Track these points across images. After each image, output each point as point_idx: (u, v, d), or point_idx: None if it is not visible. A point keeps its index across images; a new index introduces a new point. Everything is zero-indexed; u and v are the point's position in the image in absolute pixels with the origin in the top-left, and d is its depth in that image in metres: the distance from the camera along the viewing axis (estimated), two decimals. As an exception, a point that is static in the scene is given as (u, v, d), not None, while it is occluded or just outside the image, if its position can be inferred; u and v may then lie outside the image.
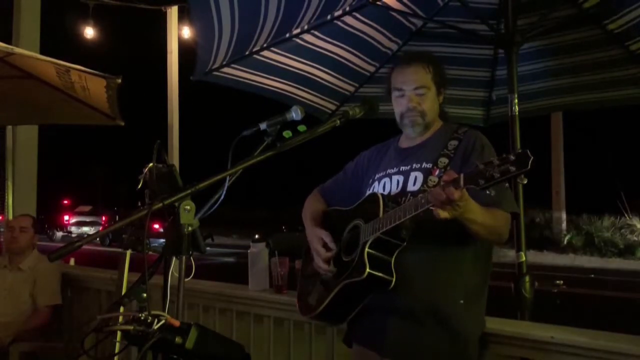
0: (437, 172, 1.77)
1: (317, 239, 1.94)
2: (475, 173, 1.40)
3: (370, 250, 1.70)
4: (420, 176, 1.83)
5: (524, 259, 3.12)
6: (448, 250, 1.75)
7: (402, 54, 2.16)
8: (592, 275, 11.76)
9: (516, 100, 3.25)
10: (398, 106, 1.97)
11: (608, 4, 3.48)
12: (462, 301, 1.75)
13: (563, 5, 3.55)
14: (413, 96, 1.92)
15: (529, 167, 1.31)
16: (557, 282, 9.16)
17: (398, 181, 1.89)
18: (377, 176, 1.98)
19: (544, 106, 4.50)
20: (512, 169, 1.32)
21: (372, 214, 1.75)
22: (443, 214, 1.51)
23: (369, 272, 1.66)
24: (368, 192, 1.96)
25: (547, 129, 15.77)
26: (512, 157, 1.34)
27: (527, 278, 3.06)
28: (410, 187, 1.83)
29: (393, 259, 1.70)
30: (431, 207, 1.53)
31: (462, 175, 1.43)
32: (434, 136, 1.96)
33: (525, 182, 1.34)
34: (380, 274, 1.68)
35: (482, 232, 1.68)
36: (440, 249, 1.74)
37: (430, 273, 1.74)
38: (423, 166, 1.85)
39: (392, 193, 1.87)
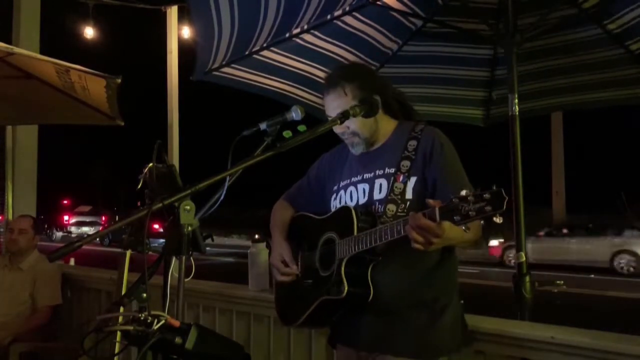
0: (401, 178, 1.76)
1: (278, 254, 1.96)
2: (451, 208, 1.40)
3: (347, 269, 1.71)
4: (384, 183, 1.81)
5: (524, 259, 3.12)
6: (419, 254, 1.70)
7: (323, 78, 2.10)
8: (592, 276, 11.77)
9: (516, 100, 3.25)
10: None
11: (608, 4, 3.48)
12: (440, 293, 1.78)
13: (563, 5, 3.55)
14: (337, 122, 1.82)
15: (504, 207, 1.32)
16: (557, 282, 9.15)
17: (364, 190, 1.87)
18: (342, 184, 1.96)
19: (544, 106, 4.50)
20: (488, 208, 1.33)
21: (346, 230, 1.75)
22: (418, 246, 1.51)
23: (348, 291, 1.68)
24: (334, 201, 1.95)
25: (547, 129, 15.78)
26: (487, 196, 1.34)
27: (527, 278, 3.06)
28: (377, 196, 1.81)
29: (369, 272, 1.71)
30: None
31: (437, 210, 1.43)
32: (392, 138, 1.92)
33: (501, 221, 1.34)
34: (358, 290, 1.70)
35: (465, 247, 1.74)
36: (412, 253, 1.67)
37: (401, 271, 1.75)
38: (386, 171, 1.83)
39: (360, 202, 1.86)
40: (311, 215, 2.01)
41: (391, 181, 1.78)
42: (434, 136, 1.83)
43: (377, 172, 1.85)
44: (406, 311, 1.74)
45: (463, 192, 1.37)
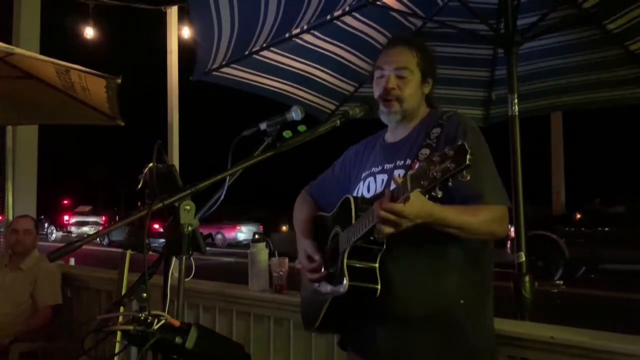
0: (417, 166, 1.64)
1: (302, 251, 1.86)
2: (420, 174, 1.27)
3: (349, 261, 1.58)
4: (402, 174, 1.66)
5: (523, 259, 3.12)
6: (435, 248, 1.63)
7: (391, 36, 2.08)
8: (592, 276, 11.77)
9: (516, 100, 3.25)
10: (377, 88, 1.83)
11: (608, 4, 3.49)
12: (462, 301, 1.64)
13: (563, 5, 3.55)
14: (393, 78, 1.79)
15: (467, 162, 1.17)
16: (557, 282, 9.18)
17: (383, 180, 1.78)
18: (363, 175, 1.89)
19: (544, 106, 4.50)
20: (452, 166, 1.19)
21: (347, 220, 1.66)
22: (387, 229, 1.43)
23: (349, 285, 1.55)
24: (354, 194, 1.87)
25: (547, 129, 15.75)
26: (450, 152, 1.21)
27: (527, 278, 3.06)
28: (393, 187, 1.71)
29: (377, 265, 1.57)
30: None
31: (408, 177, 1.31)
32: (418, 127, 1.82)
33: (468, 178, 1.19)
34: (363, 284, 1.56)
35: (461, 234, 1.58)
36: (426, 247, 1.62)
37: (418, 274, 1.63)
38: (407, 163, 1.72)
39: (376, 193, 1.77)
40: (324, 213, 1.94)
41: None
42: (459, 122, 1.71)
43: (398, 162, 1.76)
44: (427, 324, 1.60)
45: (434, 155, 1.24)
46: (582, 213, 11.22)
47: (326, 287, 1.73)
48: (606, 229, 10.62)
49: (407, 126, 1.85)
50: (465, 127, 1.69)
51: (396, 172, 1.74)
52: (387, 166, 1.80)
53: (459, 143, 1.21)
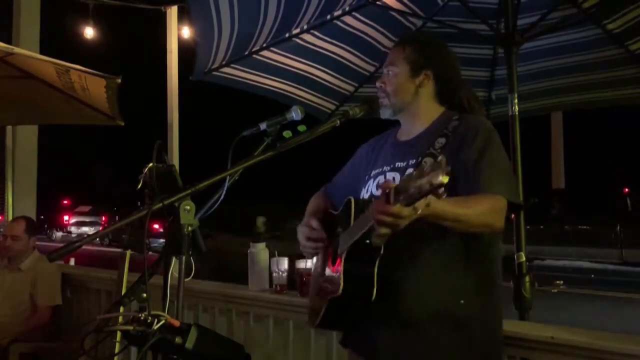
0: (409, 171, 1.58)
1: (303, 222, 1.87)
2: (400, 188, 1.24)
3: (345, 264, 1.57)
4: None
5: (523, 259, 3.12)
6: (436, 247, 1.61)
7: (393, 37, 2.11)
8: (592, 276, 11.77)
9: (516, 100, 3.25)
10: None
11: (608, 4, 3.49)
12: (464, 301, 1.61)
13: (563, 5, 3.55)
14: (383, 75, 1.86)
15: (441, 181, 1.13)
16: (557, 282, 9.19)
17: (393, 179, 1.75)
18: (373, 173, 1.87)
19: (544, 106, 4.51)
20: (427, 186, 1.15)
21: (347, 222, 1.66)
22: (384, 231, 1.38)
23: (344, 289, 1.55)
24: (363, 191, 1.86)
25: (547, 129, 15.76)
26: (428, 170, 1.16)
27: (527, 278, 3.06)
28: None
29: (376, 269, 1.53)
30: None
31: (392, 190, 1.27)
32: (432, 127, 1.80)
33: (445, 197, 1.16)
34: (358, 288, 1.55)
35: (456, 227, 1.53)
36: (426, 246, 1.60)
37: (418, 274, 1.61)
38: (419, 161, 1.70)
39: (375, 195, 1.75)
40: (333, 212, 1.94)
41: None
42: (465, 132, 1.68)
43: (411, 161, 1.73)
44: (428, 325, 1.59)
45: (421, 169, 1.19)
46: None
47: (326, 274, 1.75)
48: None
49: (415, 124, 1.84)
50: (476, 130, 1.67)
51: (409, 172, 1.67)
52: (399, 164, 1.78)
53: (439, 159, 1.16)
